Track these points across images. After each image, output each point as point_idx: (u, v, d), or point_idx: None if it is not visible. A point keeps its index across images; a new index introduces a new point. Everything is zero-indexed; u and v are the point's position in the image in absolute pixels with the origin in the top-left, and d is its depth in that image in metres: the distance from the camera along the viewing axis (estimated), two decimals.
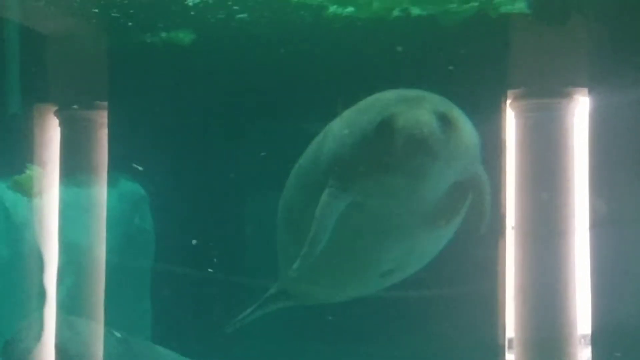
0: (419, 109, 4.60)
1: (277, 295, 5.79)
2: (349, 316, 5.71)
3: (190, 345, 6.11)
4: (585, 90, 5.65)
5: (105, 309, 6.23)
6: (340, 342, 6.05)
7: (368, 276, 5.40)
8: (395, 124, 4.56)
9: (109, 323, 6.23)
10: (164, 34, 6.62)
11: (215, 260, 6.18)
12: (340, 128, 5.04)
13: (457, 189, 4.82)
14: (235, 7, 6.26)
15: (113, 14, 6.20)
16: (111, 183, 5.94)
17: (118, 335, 6.02)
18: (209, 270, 6.11)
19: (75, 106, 5.68)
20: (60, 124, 5.88)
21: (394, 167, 4.61)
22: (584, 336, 5.62)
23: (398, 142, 4.52)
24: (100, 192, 5.79)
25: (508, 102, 5.82)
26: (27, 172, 6.20)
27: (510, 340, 5.71)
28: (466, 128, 4.77)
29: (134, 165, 6.12)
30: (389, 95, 4.98)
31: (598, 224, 5.38)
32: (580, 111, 5.77)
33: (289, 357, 6.21)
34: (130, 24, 6.36)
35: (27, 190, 6.29)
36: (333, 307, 5.59)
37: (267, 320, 5.79)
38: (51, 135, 5.78)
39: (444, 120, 4.56)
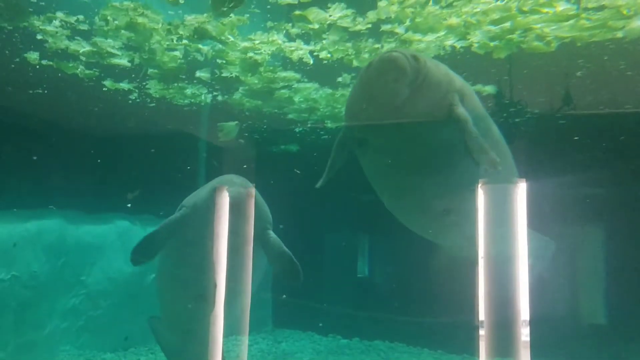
0: (396, 51, 4.70)
1: None
2: None
3: None
4: (524, 179, 6.01)
5: None
6: None
7: (430, 214, 5.31)
8: (374, 61, 4.67)
9: None
10: (282, 146, 9.42)
11: None
12: None
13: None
14: (321, 132, 8.84)
15: (255, 136, 8.84)
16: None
17: None
18: None
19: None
20: None
21: (373, 97, 4.61)
22: (524, 320, 5.91)
23: (372, 74, 4.64)
24: None
25: (479, 185, 6.07)
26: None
27: (481, 322, 5.93)
28: (435, 70, 4.77)
29: None
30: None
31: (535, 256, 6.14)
32: (522, 190, 6.08)
33: None
34: (263, 140, 8.95)
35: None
36: None
37: None
38: None
39: (415, 60, 4.67)
